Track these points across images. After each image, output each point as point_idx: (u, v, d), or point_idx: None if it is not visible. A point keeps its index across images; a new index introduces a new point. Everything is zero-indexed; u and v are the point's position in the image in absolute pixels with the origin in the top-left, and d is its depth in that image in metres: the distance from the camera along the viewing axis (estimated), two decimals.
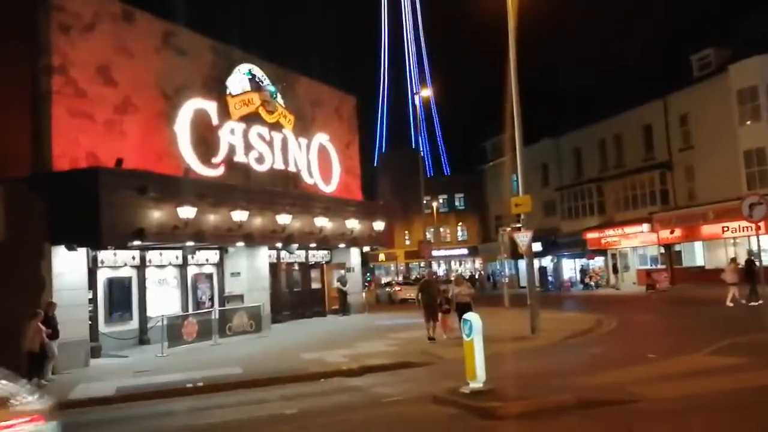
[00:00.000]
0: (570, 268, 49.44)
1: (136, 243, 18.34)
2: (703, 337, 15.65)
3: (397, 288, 44.74)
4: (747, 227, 27.36)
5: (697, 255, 38.71)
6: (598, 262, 46.18)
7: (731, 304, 23.00)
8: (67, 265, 17.29)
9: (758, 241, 18.99)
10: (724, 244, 36.13)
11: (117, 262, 20.42)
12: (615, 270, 42.46)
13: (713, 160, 36.25)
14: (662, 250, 40.50)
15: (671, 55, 40.56)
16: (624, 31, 48.17)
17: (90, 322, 18.37)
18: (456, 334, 15.34)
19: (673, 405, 9.23)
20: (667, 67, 40.33)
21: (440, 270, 70.33)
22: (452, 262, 70.71)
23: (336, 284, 31.11)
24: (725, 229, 34.41)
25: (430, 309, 18.52)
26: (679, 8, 49.65)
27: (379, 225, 30.60)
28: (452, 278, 23.13)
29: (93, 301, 19.05)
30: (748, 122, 34.33)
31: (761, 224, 17.96)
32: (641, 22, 47.80)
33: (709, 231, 36.08)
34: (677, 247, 39.75)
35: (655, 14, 53.39)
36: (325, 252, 31.28)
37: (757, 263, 20.15)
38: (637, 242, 42.03)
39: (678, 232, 38.02)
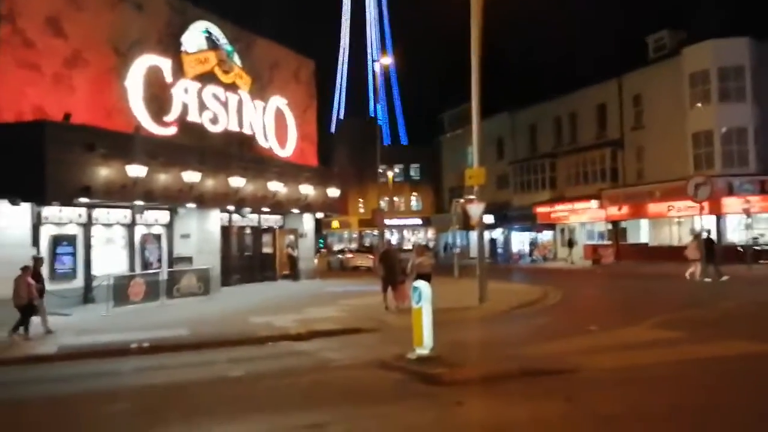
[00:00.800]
0: (520, 241, 50.29)
1: (83, 200, 17.93)
2: (644, 311, 16.15)
3: (350, 255, 44.90)
4: (692, 207, 28.16)
5: (642, 232, 39.78)
6: (547, 236, 47.07)
7: (689, 278, 23.61)
8: (10, 220, 16.83)
9: (701, 220, 19.61)
10: (668, 223, 37.22)
11: (62, 219, 19.91)
12: (570, 244, 42.28)
13: (663, 141, 37.09)
14: (609, 227, 41.49)
15: (628, 35, 41.05)
16: (583, 10, 48.44)
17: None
18: (410, 304, 15.44)
19: (612, 375, 9.54)
20: (623, 48, 40.85)
21: (393, 239, 70.76)
22: (405, 232, 71.13)
23: (286, 249, 31.02)
24: (670, 208, 35.40)
25: (388, 279, 18.21)
26: None
27: (333, 192, 30.51)
28: (413, 247, 22.51)
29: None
30: (699, 105, 35.14)
31: (705, 204, 18.53)
32: (600, 2, 48.15)
33: (655, 209, 37.08)
34: (624, 224, 40.76)
35: None
36: (279, 217, 31.08)
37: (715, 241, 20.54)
38: (585, 218, 42.92)
39: (625, 209, 38.97)
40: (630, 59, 39.89)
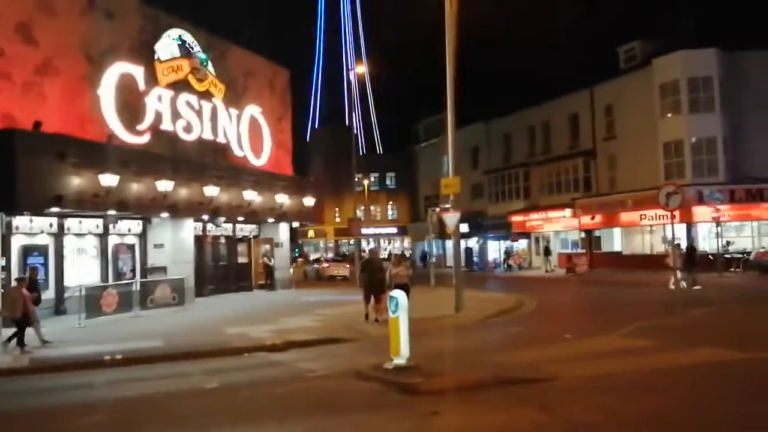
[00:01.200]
0: (495, 249, 50.57)
1: (54, 210, 17.67)
2: (618, 319, 16.33)
3: (326, 265, 44.80)
4: (663, 215, 28.58)
5: (615, 241, 40.25)
6: (522, 244, 47.40)
7: (673, 287, 23.70)
8: None
9: (673, 229, 19.89)
10: (641, 231, 37.72)
11: (33, 228, 19.60)
12: (547, 252, 42.34)
13: (634, 150, 37.63)
14: (583, 235, 41.92)
15: (600, 46, 41.69)
16: (555, 20, 49.13)
17: (2, 291, 17.60)
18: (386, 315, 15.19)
19: (587, 383, 9.61)
20: (595, 58, 41.43)
21: (368, 247, 70.69)
22: (381, 240, 71.13)
23: (262, 259, 30.86)
24: (642, 216, 35.88)
25: (369, 289, 17.42)
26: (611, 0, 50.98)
27: (309, 201, 30.45)
28: (391, 257, 21.69)
29: (6, 268, 18.23)
30: (669, 115, 35.74)
31: (676, 213, 18.79)
32: (573, 12, 48.90)
33: (627, 218, 37.56)
34: (597, 233, 41.22)
35: (586, 5, 54.62)
36: (254, 226, 30.92)
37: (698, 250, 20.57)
38: (559, 226, 43.33)
39: (598, 218, 39.41)
40: (601, 70, 40.47)
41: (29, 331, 14.65)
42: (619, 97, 39.26)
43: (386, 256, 63.72)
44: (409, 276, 17.63)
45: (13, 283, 14.88)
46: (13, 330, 14.64)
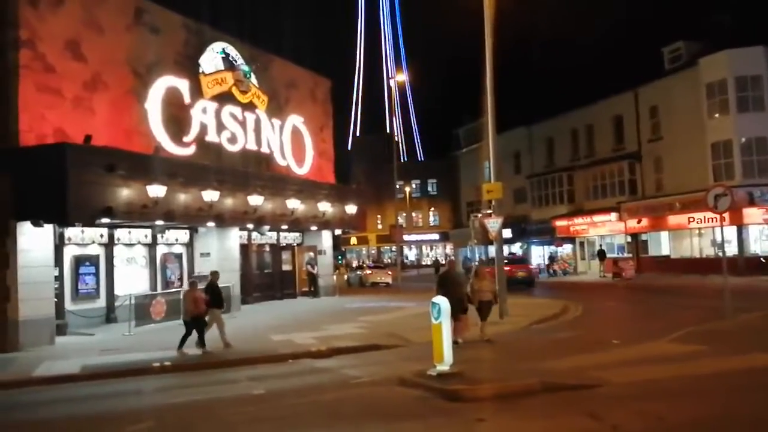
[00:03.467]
0: (539, 255, 50.03)
1: (104, 220, 18.12)
2: (666, 324, 16.01)
3: (368, 272, 44.88)
4: (712, 218, 27.89)
5: (663, 244, 39.42)
6: (566, 249, 46.79)
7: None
8: (33, 242, 17.01)
9: (722, 231, 19.40)
10: (689, 234, 36.86)
11: (84, 239, 20.14)
12: (602, 256, 40.70)
13: (681, 152, 36.84)
14: (629, 239, 41.17)
15: (644, 47, 40.99)
16: (599, 21, 48.56)
17: (56, 300, 18.15)
18: (462, 337, 14.01)
19: (635, 390, 9.44)
20: (639, 59, 40.76)
21: (411, 254, 70.74)
22: (423, 247, 71.11)
23: (306, 266, 31.13)
24: (691, 219, 35.07)
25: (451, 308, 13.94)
26: (653, 0, 50.16)
27: (351, 208, 30.59)
28: (473, 268, 18.30)
29: (59, 278, 18.81)
30: (716, 115, 34.91)
31: (725, 215, 18.32)
32: (616, 13, 48.27)
33: (675, 221, 36.76)
34: (644, 237, 40.44)
35: (629, 6, 53.88)
36: (297, 234, 31.20)
37: None
38: (604, 231, 42.65)
39: (645, 221, 38.67)
40: (646, 71, 39.76)
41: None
42: (664, 97, 38.52)
43: (433, 261, 63.56)
44: (493, 291, 15.74)
45: (186, 286, 15.44)
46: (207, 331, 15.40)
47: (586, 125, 45.11)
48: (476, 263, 30.95)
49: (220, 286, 21.90)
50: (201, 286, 16.20)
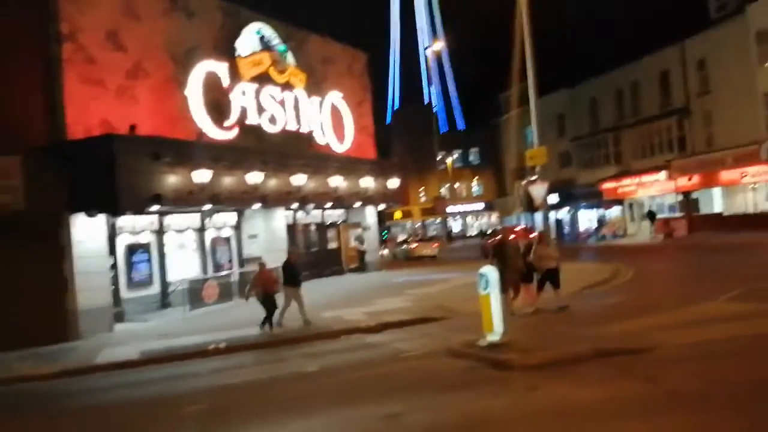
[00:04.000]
0: (587, 219, 49.25)
1: (154, 208, 18.51)
2: (721, 284, 15.59)
3: (414, 245, 44.95)
4: (766, 171, 26.99)
5: (715, 202, 38.32)
6: (615, 212, 45.95)
7: None
8: (87, 233, 17.50)
9: None
10: (743, 190, 35.74)
11: (136, 228, 20.63)
12: (652, 217, 39.74)
13: (732, 105, 35.55)
14: (680, 198, 40.14)
15: None
16: None
17: (113, 287, 18.70)
18: (534, 305, 14.25)
19: (691, 352, 9.27)
20: (683, 11, 39.32)
21: (456, 225, 70.47)
22: (468, 218, 70.73)
23: (354, 243, 31.32)
24: (744, 174, 33.94)
25: (506, 279, 12.57)
26: None
27: (393, 183, 30.58)
28: (533, 236, 17.34)
29: (114, 267, 19.34)
30: (767, 64, 33.57)
31: None
32: None
33: (727, 177, 35.61)
34: (695, 195, 39.35)
35: None
36: (341, 211, 31.36)
37: None
38: (653, 191, 41.65)
39: (696, 179, 37.60)
40: (691, 22, 38.37)
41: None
42: (712, 49, 37.13)
43: (481, 232, 63.13)
44: (557, 258, 14.97)
45: (256, 267, 16.29)
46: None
47: (630, 83, 43.88)
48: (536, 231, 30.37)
49: (274, 267, 22.35)
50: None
